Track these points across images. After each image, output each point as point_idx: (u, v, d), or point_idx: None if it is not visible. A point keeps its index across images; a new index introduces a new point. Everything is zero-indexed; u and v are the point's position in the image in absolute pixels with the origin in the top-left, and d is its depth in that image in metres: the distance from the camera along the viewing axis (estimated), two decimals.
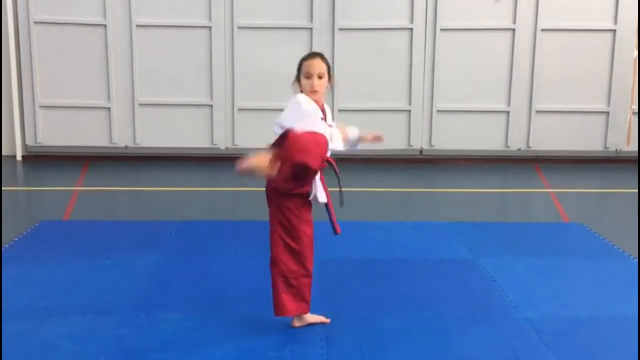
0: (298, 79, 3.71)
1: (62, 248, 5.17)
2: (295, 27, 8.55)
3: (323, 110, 3.75)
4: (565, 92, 8.72)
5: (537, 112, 8.77)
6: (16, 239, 5.35)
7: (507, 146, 8.87)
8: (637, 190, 7.06)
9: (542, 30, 8.58)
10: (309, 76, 3.64)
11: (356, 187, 7.53)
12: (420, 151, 8.91)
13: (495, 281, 4.57)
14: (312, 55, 3.73)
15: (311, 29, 8.54)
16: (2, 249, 5.10)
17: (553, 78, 8.67)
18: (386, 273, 4.72)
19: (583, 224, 5.97)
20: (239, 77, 8.61)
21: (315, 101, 3.68)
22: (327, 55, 8.54)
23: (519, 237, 5.62)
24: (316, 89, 3.66)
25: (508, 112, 8.78)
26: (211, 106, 8.63)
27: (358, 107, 8.69)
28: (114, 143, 8.68)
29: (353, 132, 4.05)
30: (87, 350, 3.52)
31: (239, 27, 8.51)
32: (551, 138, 8.81)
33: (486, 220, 6.18)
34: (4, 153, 8.76)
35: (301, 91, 3.70)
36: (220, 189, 7.32)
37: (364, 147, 8.80)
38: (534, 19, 8.55)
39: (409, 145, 8.84)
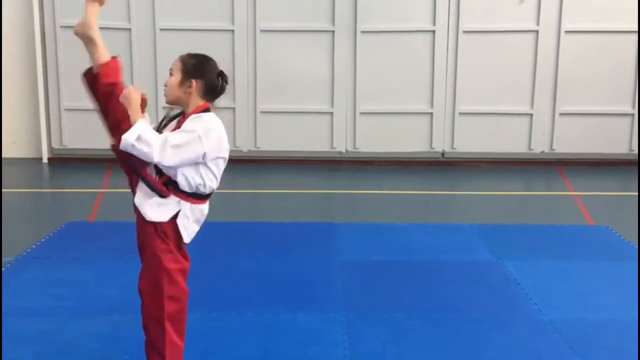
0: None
1: (88, 249, 5.23)
2: (317, 30, 8.58)
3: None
4: (589, 94, 8.65)
5: (560, 114, 8.71)
6: (42, 239, 5.43)
7: (530, 149, 8.81)
8: None
9: (566, 32, 8.51)
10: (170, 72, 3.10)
11: (378, 190, 7.54)
12: (442, 154, 8.88)
13: (518, 283, 4.55)
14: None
15: (333, 31, 8.56)
16: (30, 249, 5.18)
17: (577, 80, 8.60)
18: (408, 274, 4.72)
19: (607, 227, 5.92)
20: (261, 80, 8.65)
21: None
22: (349, 58, 8.70)
23: (542, 240, 5.59)
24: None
25: (531, 114, 8.73)
26: (234, 109, 8.68)
27: (380, 109, 8.70)
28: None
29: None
30: (113, 349, 3.57)
31: (261, 30, 8.55)
32: (575, 140, 8.73)
33: (509, 223, 6.15)
34: (30, 155, 8.89)
35: None
36: (242, 191, 7.36)
37: (386, 149, 8.78)
38: (558, 20, 8.49)
39: (431, 148, 8.82)
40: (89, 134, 8.73)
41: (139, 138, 2.80)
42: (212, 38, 8.55)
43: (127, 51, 8.55)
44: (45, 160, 8.77)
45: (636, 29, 8.49)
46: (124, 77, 8.99)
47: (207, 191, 2.96)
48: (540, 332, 3.83)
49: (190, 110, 2.97)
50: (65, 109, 8.69)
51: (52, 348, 3.56)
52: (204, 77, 2.98)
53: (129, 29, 8.53)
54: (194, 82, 2.96)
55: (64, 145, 8.77)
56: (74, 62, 8.54)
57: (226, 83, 3.04)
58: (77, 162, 8.71)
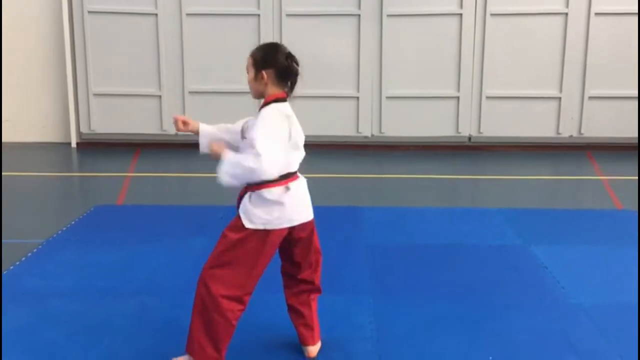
0: (268, 68, 3.09)
1: (116, 232, 5.29)
2: (343, 13, 8.54)
3: None
4: (619, 78, 8.51)
5: (589, 97, 8.59)
6: (72, 223, 5.51)
7: (558, 133, 8.71)
8: None
9: (596, 14, 8.37)
10: None
11: (404, 174, 7.52)
12: (469, 138, 8.82)
13: (546, 267, 4.51)
14: None
15: (359, 15, 8.52)
16: (60, 232, 5.26)
17: (606, 63, 8.46)
18: (435, 258, 4.71)
19: (636, 211, 5.84)
20: None
21: None
22: (375, 42, 8.65)
23: (570, 224, 5.54)
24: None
25: (560, 98, 8.62)
26: None
27: (406, 94, 8.65)
28: (165, 130, 8.82)
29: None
30: (142, 329, 3.62)
31: (287, 15, 8.54)
32: (604, 124, 8.61)
33: (537, 207, 6.10)
34: (59, 140, 9.01)
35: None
36: None
37: (412, 134, 8.73)
38: (588, 2, 8.35)
39: (458, 132, 8.76)
40: (116, 118, 8.83)
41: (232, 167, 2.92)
42: (238, 23, 8.56)
43: (153, 36, 8.60)
44: (73, 144, 8.87)
45: None
46: (152, 63, 8.93)
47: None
48: (568, 315, 3.81)
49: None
50: (93, 94, 8.77)
51: (83, 327, 3.62)
52: (273, 65, 3.05)
53: (156, 14, 8.56)
54: (264, 73, 3.05)
55: (92, 130, 8.87)
56: (102, 47, 8.69)
57: (296, 64, 3.10)
58: (105, 146, 8.80)
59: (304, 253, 3.19)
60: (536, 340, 3.51)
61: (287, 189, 3.01)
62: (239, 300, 3.04)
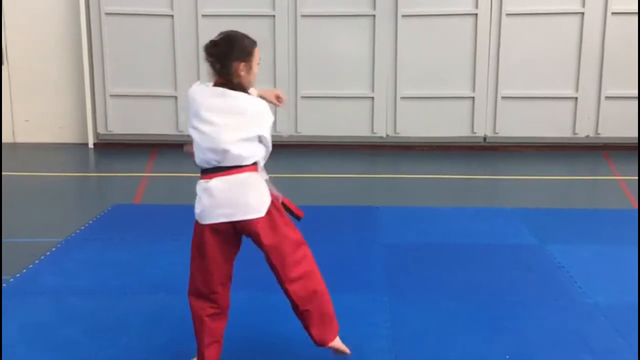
0: (243, 61, 2.93)
1: (133, 231, 5.34)
2: (358, 14, 8.55)
3: None
4: (635, 77, 8.44)
5: (606, 97, 8.53)
6: (90, 222, 5.56)
7: (574, 133, 8.66)
8: None
9: (613, 13, 8.32)
10: (259, 64, 3.04)
11: (419, 174, 7.52)
12: (484, 138, 8.79)
13: (562, 267, 4.50)
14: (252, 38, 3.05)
15: (374, 16, 8.53)
16: (78, 231, 5.31)
17: (623, 63, 8.40)
18: (450, 258, 4.71)
19: None
20: (302, 65, 8.67)
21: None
22: (390, 42, 8.66)
23: (586, 224, 5.52)
24: None
25: (576, 98, 8.57)
26: None
27: (421, 94, 8.64)
28: (181, 131, 8.86)
29: None
30: (159, 326, 3.66)
31: (302, 15, 8.56)
32: (621, 124, 8.55)
33: (552, 207, 6.08)
34: (76, 141, 9.09)
35: (242, 81, 2.98)
36: (283, 175, 7.40)
37: (427, 134, 8.70)
38: (604, 2, 8.30)
39: (473, 132, 8.74)
40: (133, 119, 8.90)
41: None
42: (253, 24, 8.57)
43: (169, 37, 8.66)
44: (91, 145, 8.95)
45: None
46: (168, 64, 8.92)
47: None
48: (584, 315, 3.80)
49: None
50: (110, 95, 8.84)
51: (101, 325, 3.67)
52: None
53: (172, 16, 8.62)
54: None
55: (109, 131, 8.94)
56: (119, 49, 8.76)
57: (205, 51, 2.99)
58: (122, 147, 8.87)
59: (265, 256, 3.04)
60: (552, 339, 3.51)
61: (206, 183, 2.94)
62: (207, 297, 3.07)
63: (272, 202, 2.99)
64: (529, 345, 3.45)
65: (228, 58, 2.91)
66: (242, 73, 2.93)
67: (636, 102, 8.47)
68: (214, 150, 2.89)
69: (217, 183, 2.92)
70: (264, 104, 2.99)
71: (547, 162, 8.13)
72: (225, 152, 2.88)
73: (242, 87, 2.96)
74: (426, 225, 5.45)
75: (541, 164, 8.00)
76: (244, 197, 2.92)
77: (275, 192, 3.04)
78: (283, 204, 3.07)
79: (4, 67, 8.99)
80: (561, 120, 8.64)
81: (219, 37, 2.98)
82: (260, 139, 2.96)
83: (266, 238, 2.95)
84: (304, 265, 3.06)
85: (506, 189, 7.05)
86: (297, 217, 3.08)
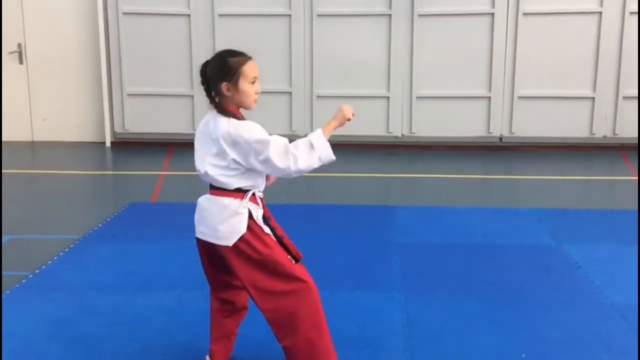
0: (226, 82, 2.82)
1: (151, 228, 5.38)
2: (374, 14, 8.56)
3: None
4: None
5: (624, 97, 8.48)
6: (108, 219, 5.61)
7: (591, 133, 8.62)
8: None
9: (631, 13, 8.27)
10: (255, 80, 2.88)
11: (435, 174, 7.51)
12: (500, 138, 8.77)
13: (579, 267, 4.49)
14: (246, 55, 2.91)
15: (390, 15, 8.53)
16: (96, 228, 5.36)
17: (637, 62, 8.34)
18: (467, 257, 4.71)
19: None
20: (318, 65, 8.69)
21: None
22: (406, 42, 8.67)
23: (603, 224, 5.49)
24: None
25: (593, 98, 8.53)
26: (290, 94, 8.76)
27: (437, 94, 8.64)
28: (196, 130, 8.91)
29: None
30: (178, 322, 3.69)
31: (318, 15, 8.58)
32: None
33: (569, 207, 6.05)
34: (93, 140, 9.17)
35: (228, 102, 2.85)
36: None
37: (443, 134, 8.69)
38: (622, 1, 8.25)
39: (489, 133, 8.72)
40: (150, 118, 8.96)
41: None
42: (270, 23, 8.63)
43: (186, 37, 8.71)
44: (108, 144, 9.02)
45: None
46: (184, 63, 9.01)
47: None
48: (602, 315, 3.78)
49: None
50: (127, 95, 8.91)
51: (120, 320, 3.70)
52: None
53: (188, 15, 8.67)
54: None
55: (126, 130, 9.01)
56: (136, 48, 8.82)
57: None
58: (139, 145, 8.93)
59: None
60: (569, 339, 3.50)
61: (200, 198, 3.00)
62: (216, 297, 3.15)
63: (248, 239, 2.82)
64: (545, 345, 3.44)
65: (212, 79, 2.85)
66: (229, 94, 2.82)
67: None
68: (201, 175, 2.93)
69: (203, 200, 2.95)
70: (242, 126, 2.77)
71: (564, 162, 8.09)
72: (205, 175, 2.89)
73: (228, 109, 2.83)
74: (442, 225, 5.45)
75: (558, 165, 7.97)
76: (215, 222, 2.86)
77: (267, 230, 2.87)
78: (282, 243, 2.92)
79: (22, 67, 9.09)
80: (578, 120, 8.60)
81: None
82: (239, 163, 2.79)
83: (236, 268, 2.87)
84: (285, 301, 2.86)
85: (522, 189, 7.03)
86: (295, 259, 2.93)
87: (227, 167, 2.82)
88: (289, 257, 2.90)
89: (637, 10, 8.24)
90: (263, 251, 2.84)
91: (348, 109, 3.06)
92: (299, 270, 2.91)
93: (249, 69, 2.84)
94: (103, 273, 4.40)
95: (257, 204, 2.91)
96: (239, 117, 2.85)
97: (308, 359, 2.90)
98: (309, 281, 2.89)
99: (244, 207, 2.83)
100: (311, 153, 2.80)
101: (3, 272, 4.33)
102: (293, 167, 2.77)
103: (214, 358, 3.17)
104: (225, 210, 2.84)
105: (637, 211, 5.85)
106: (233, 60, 2.84)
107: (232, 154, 2.79)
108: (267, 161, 2.76)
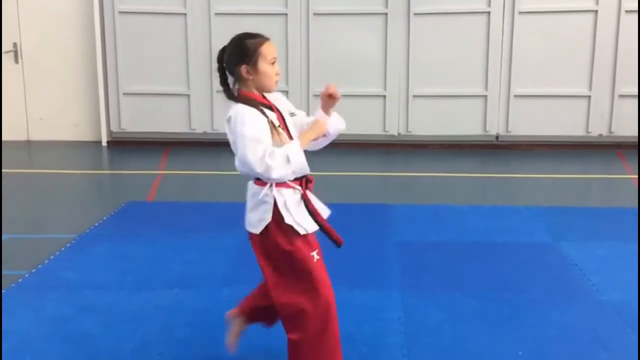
0: (245, 64, 2.77)
1: (148, 227, 5.38)
2: (370, 12, 8.55)
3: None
4: None
5: (620, 96, 8.49)
6: (104, 218, 5.60)
7: (588, 132, 8.63)
8: None
9: (627, 11, 8.28)
10: (274, 61, 2.82)
11: (432, 172, 7.52)
12: (497, 137, 8.77)
13: (576, 264, 4.50)
14: (263, 36, 2.86)
15: (386, 14, 8.53)
16: (93, 227, 5.35)
17: (637, 61, 8.34)
18: (464, 255, 4.72)
19: None
20: (314, 63, 8.69)
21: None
22: (402, 41, 8.67)
23: (600, 222, 5.50)
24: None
25: (589, 96, 8.54)
26: (287, 92, 8.75)
27: (433, 92, 8.64)
28: (193, 129, 8.91)
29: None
30: (175, 321, 3.68)
31: (314, 14, 8.58)
32: (634, 123, 8.49)
33: (566, 205, 6.06)
34: (90, 139, 9.15)
35: (247, 86, 2.82)
36: None
37: (440, 132, 8.67)
38: None
39: (485, 131, 8.73)
40: (146, 118, 8.94)
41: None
42: (266, 22, 8.61)
43: (182, 36, 8.69)
44: (104, 143, 9.00)
45: None
46: (180, 62, 8.99)
47: None
48: (599, 312, 3.79)
49: None
50: (123, 94, 8.89)
51: (117, 318, 3.70)
52: None
53: (185, 14, 8.65)
54: None
55: (123, 129, 8.99)
56: (132, 47, 8.81)
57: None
58: (135, 145, 8.91)
59: None
60: (566, 336, 3.51)
61: None
62: None
63: (272, 230, 2.80)
64: (542, 342, 3.45)
65: (230, 63, 2.82)
66: (249, 76, 2.78)
67: None
68: None
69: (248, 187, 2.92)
70: (240, 115, 2.72)
71: (560, 160, 8.11)
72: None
73: (240, 95, 2.80)
74: (439, 223, 5.45)
75: (554, 163, 7.98)
76: (247, 209, 2.88)
77: (288, 221, 2.79)
78: (323, 228, 2.93)
79: (18, 66, 9.07)
80: (574, 118, 8.61)
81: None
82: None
83: (257, 256, 2.87)
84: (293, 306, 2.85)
85: (519, 187, 7.04)
86: (337, 244, 2.96)
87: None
88: (313, 253, 2.86)
89: (632, 9, 8.25)
90: (283, 246, 2.81)
91: (324, 125, 2.98)
92: (319, 271, 2.87)
93: (267, 50, 2.80)
94: (100, 272, 4.39)
95: (293, 187, 2.84)
96: (257, 101, 2.79)
97: (311, 357, 2.88)
98: (324, 288, 2.86)
99: (267, 195, 2.79)
100: (286, 166, 2.73)
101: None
102: (266, 175, 2.71)
103: (240, 304, 3.15)
104: (253, 197, 2.83)
105: (633, 209, 5.87)
106: (250, 42, 2.80)
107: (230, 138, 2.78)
108: (242, 159, 2.69)
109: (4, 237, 5.09)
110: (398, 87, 8.69)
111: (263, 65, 2.78)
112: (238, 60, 2.79)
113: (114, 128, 9.03)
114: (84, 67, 9.03)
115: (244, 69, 2.78)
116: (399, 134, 8.80)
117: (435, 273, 4.38)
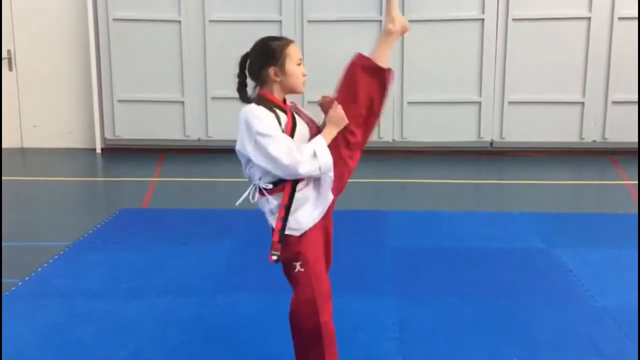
0: (272, 66, 2.81)
1: (142, 234, 5.37)
2: (364, 20, 8.57)
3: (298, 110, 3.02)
4: None
5: (613, 102, 8.53)
6: (99, 225, 5.59)
7: (581, 138, 8.65)
8: None
9: (620, 18, 8.32)
10: (300, 62, 2.89)
11: (426, 179, 7.52)
12: (491, 143, 8.79)
13: (570, 270, 4.50)
14: (287, 38, 2.94)
15: (380, 21, 8.55)
16: (87, 235, 5.34)
17: (630, 67, 8.39)
18: (459, 261, 4.72)
19: None
20: (309, 71, 8.58)
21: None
22: (397, 48, 8.68)
23: (594, 228, 5.51)
24: None
25: (583, 103, 8.57)
26: None
27: (428, 99, 8.65)
28: (188, 136, 8.91)
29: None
30: (170, 328, 3.67)
31: (308, 21, 8.59)
32: (628, 129, 8.54)
33: (560, 211, 6.08)
34: (84, 146, 9.13)
35: (274, 88, 2.87)
36: None
37: (434, 139, 8.68)
38: (611, 6, 8.30)
39: (479, 138, 8.74)
40: (140, 125, 8.92)
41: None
42: (260, 29, 8.53)
43: (177, 43, 8.69)
44: (98, 150, 8.98)
45: None
46: (175, 69, 8.97)
47: None
48: (593, 318, 3.80)
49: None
50: (118, 101, 8.88)
51: (112, 326, 3.69)
52: None
53: (179, 21, 8.66)
54: None
55: (117, 136, 8.97)
56: (126, 54, 8.80)
57: None
58: (130, 152, 8.90)
59: None
60: (561, 342, 3.51)
61: None
62: None
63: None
64: (537, 348, 3.45)
65: (255, 67, 2.83)
66: (277, 78, 2.80)
67: None
68: None
69: None
70: (246, 113, 2.74)
71: (554, 167, 8.13)
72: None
73: (259, 97, 2.81)
74: (433, 230, 5.46)
75: (548, 169, 8.00)
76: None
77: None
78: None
79: (12, 73, 9.05)
80: (568, 125, 8.63)
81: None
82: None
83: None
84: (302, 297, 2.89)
85: (513, 193, 7.05)
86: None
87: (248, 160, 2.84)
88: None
89: (625, 16, 8.30)
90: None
91: (340, 115, 2.95)
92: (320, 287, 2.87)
93: (293, 51, 2.81)
94: (93, 280, 4.37)
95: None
96: (273, 103, 2.79)
97: (319, 346, 2.84)
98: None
99: (272, 202, 2.93)
100: (314, 161, 2.73)
101: None
102: (292, 170, 2.70)
103: None
104: (264, 206, 3.01)
105: (627, 215, 5.89)
106: (276, 43, 2.81)
107: (241, 145, 2.75)
108: (266, 155, 2.68)
109: None
110: (392, 94, 8.70)
111: (291, 66, 2.80)
112: (265, 62, 2.78)
113: (108, 135, 9.01)
114: (78, 74, 9.02)
115: (271, 70, 2.78)
116: (394, 140, 8.81)
117: (430, 279, 4.38)
